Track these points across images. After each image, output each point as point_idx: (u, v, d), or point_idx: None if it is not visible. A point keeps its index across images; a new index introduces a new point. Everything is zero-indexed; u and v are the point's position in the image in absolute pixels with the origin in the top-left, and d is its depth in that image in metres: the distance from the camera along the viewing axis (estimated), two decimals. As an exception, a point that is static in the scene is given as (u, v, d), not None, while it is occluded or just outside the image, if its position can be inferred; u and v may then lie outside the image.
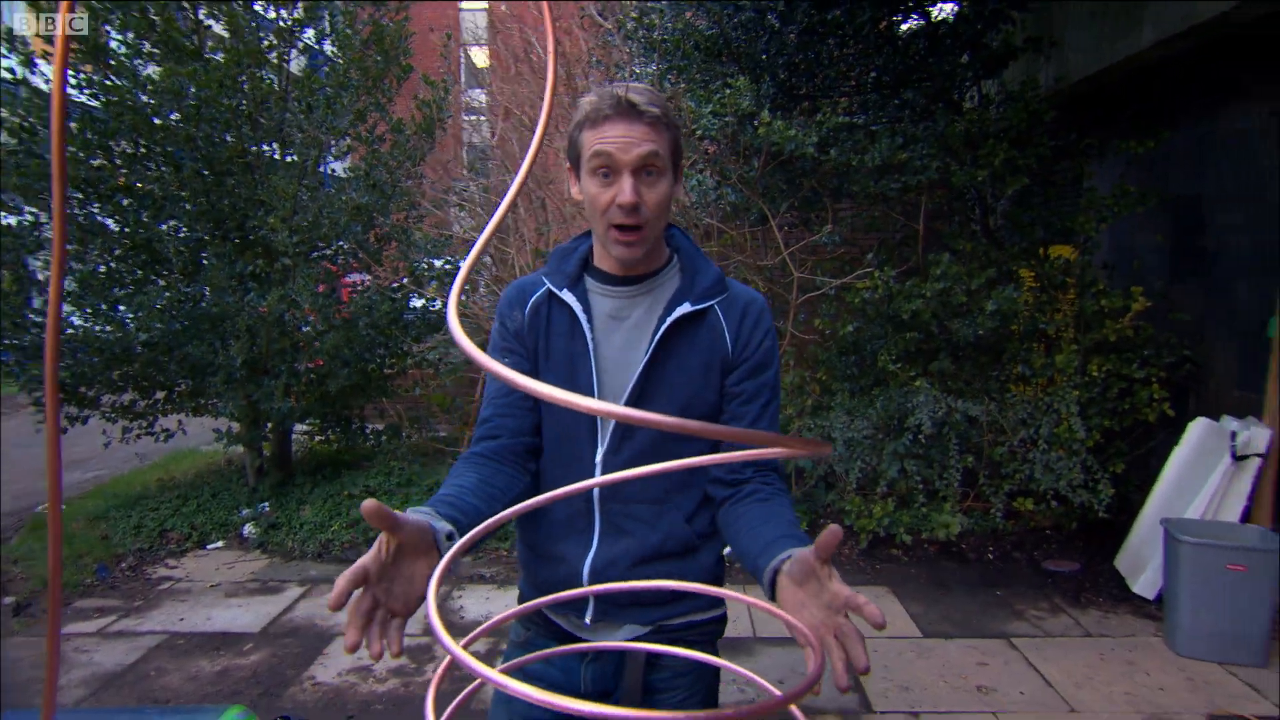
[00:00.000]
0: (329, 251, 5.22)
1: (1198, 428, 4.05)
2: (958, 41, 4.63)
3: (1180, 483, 4.01)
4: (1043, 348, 4.75)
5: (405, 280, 5.32)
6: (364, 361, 5.01)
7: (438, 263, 5.37)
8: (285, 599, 4.15)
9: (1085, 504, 4.26)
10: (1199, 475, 3.94)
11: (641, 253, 1.23)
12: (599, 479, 0.78)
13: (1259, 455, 3.79)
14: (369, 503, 0.82)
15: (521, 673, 1.25)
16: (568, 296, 1.27)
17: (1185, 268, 4.93)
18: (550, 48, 0.64)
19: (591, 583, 1.27)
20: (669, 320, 1.24)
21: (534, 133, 0.64)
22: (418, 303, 5.46)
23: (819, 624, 0.87)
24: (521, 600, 1.42)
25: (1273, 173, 4.22)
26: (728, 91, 4.28)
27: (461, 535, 0.99)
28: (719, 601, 1.36)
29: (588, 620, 1.30)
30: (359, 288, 5.24)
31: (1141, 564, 4.03)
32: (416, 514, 0.98)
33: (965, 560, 4.54)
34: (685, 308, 1.25)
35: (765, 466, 1.27)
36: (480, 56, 13.79)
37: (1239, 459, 3.79)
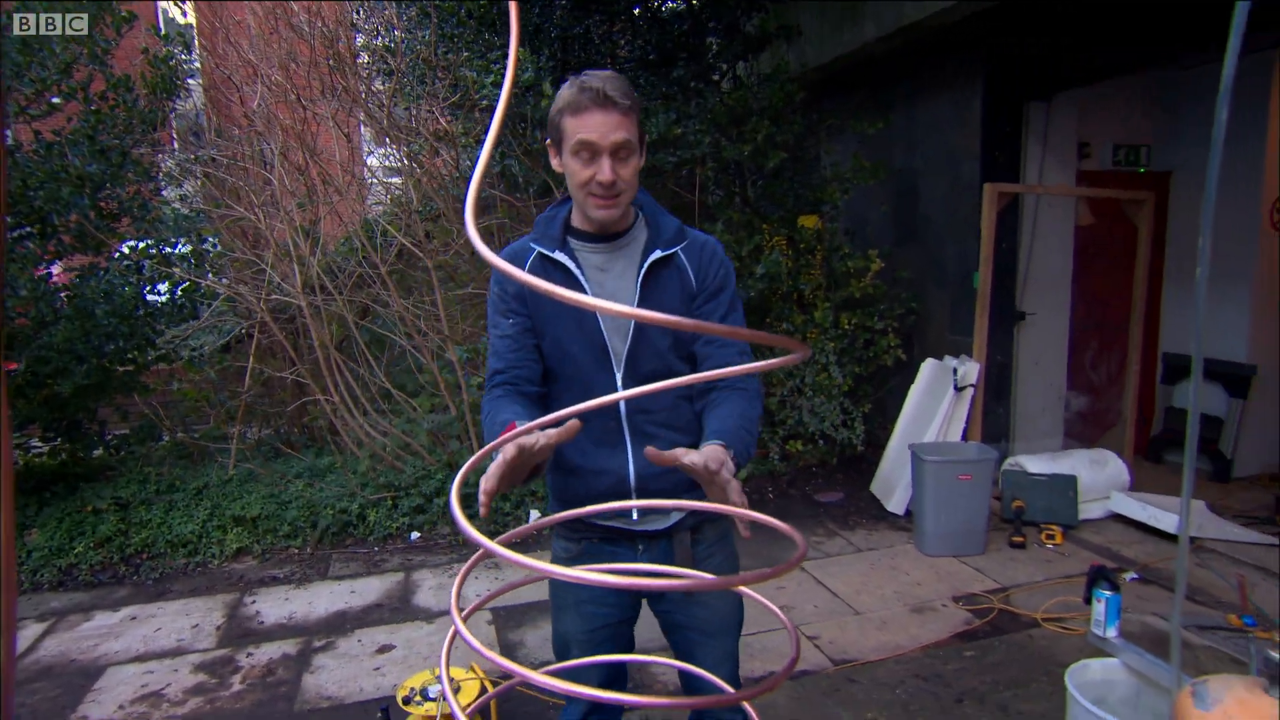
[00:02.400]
0: (34, 230, 4.42)
1: (928, 367, 4.81)
2: (719, 24, 5.00)
3: (917, 414, 4.75)
4: (798, 307, 5.33)
5: (147, 261, 4.67)
6: (102, 356, 4.35)
7: (182, 246, 4.79)
8: (25, 638, 3.53)
9: (845, 441, 4.89)
10: (931, 406, 4.69)
11: (619, 213, 1.47)
12: (629, 391, 0.87)
13: (971, 385, 4.59)
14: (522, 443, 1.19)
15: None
16: (560, 256, 1.49)
17: (905, 232, 5.77)
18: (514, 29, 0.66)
19: (638, 485, 1.53)
20: (646, 263, 1.50)
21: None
22: (163, 287, 4.84)
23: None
24: (559, 540, 1.68)
25: (962, 151, 5.08)
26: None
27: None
28: None
29: (635, 516, 1.57)
30: (91, 269, 4.50)
31: (892, 487, 4.72)
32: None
33: (751, 502, 4.99)
34: (657, 253, 1.51)
35: (735, 382, 1.53)
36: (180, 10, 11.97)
37: (959, 389, 4.57)
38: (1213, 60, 4.88)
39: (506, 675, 2.97)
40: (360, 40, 5.49)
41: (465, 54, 4.71)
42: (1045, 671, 2.93)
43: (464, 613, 0.88)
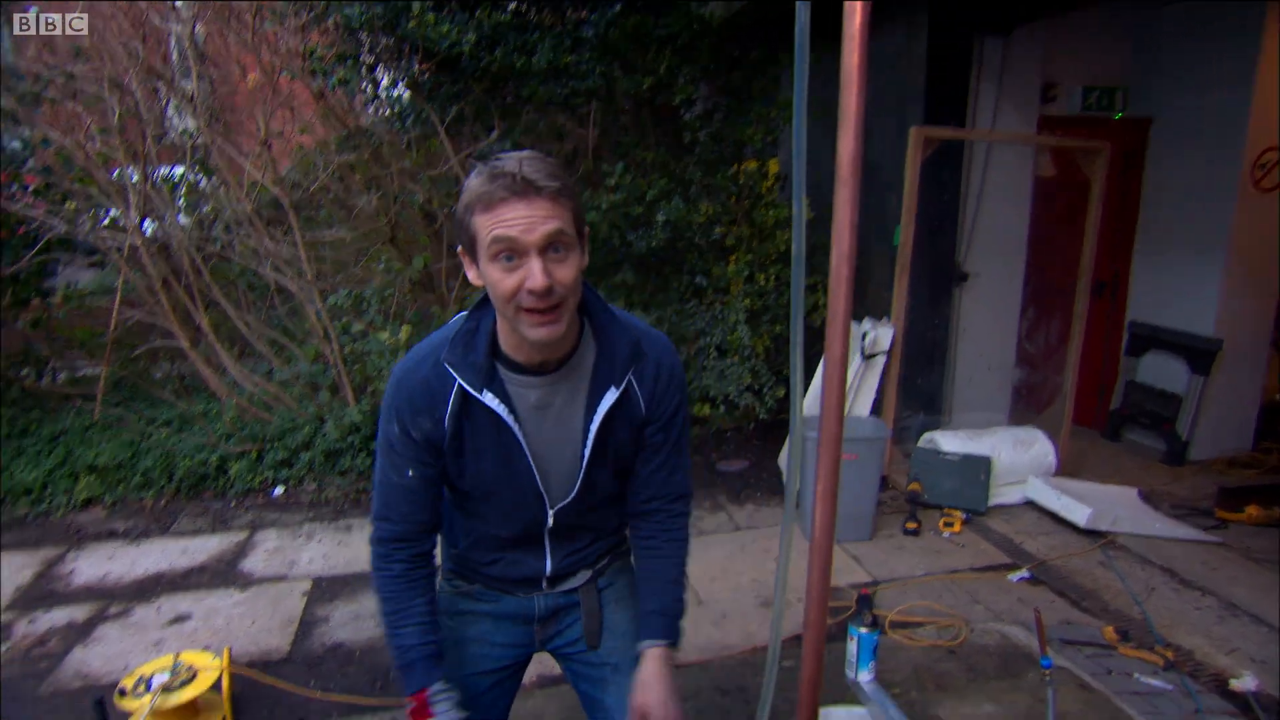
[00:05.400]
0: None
1: (840, 330, 4.38)
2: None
3: (825, 381, 4.34)
4: (718, 259, 4.89)
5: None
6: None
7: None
8: None
9: (750, 407, 4.51)
10: (839, 374, 4.26)
11: (562, 328, 1.16)
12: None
13: (883, 353, 4.16)
14: None
15: (478, 622, 1.47)
16: (490, 400, 1.22)
17: (850, 181, 5.25)
18: None
19: (553, 575, 1.45)
20: (600, 415, 1.27)
21: None
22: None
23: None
24: (449, 580, 1.54)
25: (909, 92, 4.53)
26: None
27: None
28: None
29: (544, 586, 1.47)
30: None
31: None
32: (453, 713, 1.28)
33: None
34: (611, 394, 1.26)
35: (671, 495, 1.43)
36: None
37: (867, 357, 4.14)
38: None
39: (253, 664, 2.72)
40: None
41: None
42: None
43: None
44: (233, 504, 4.13)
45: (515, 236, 1.08)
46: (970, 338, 4.90)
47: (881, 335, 4.15)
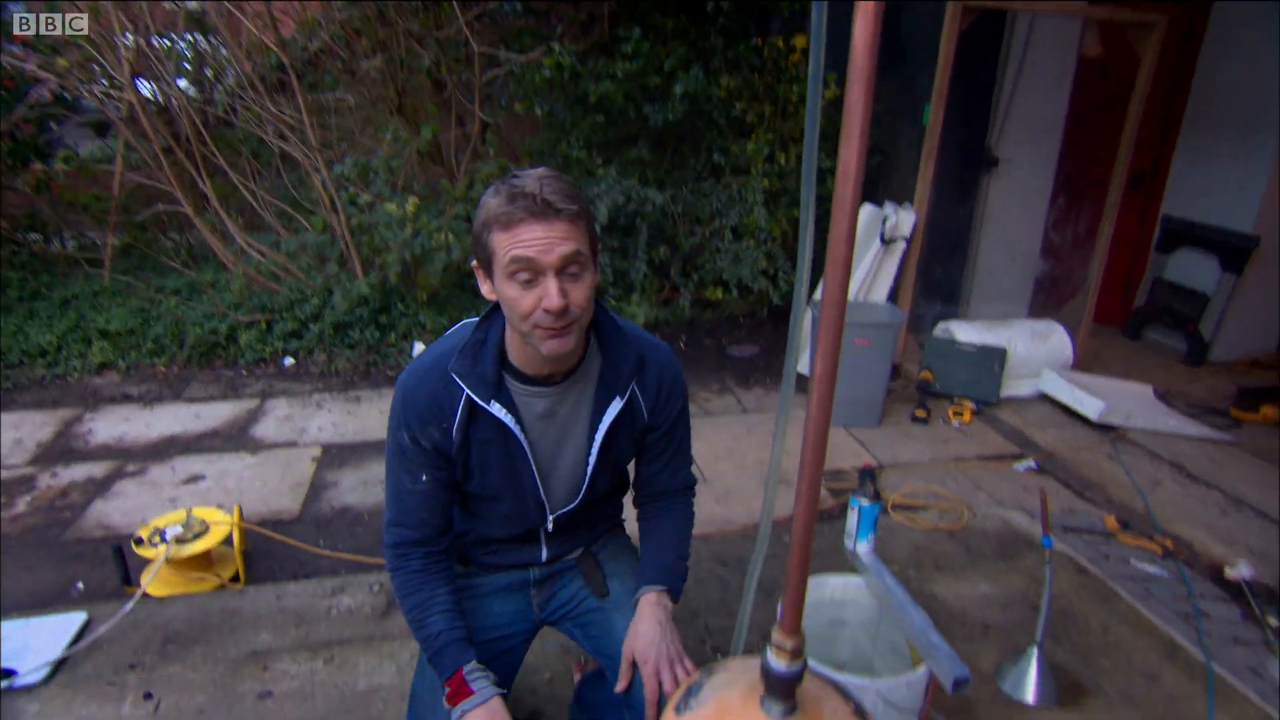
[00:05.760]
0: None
1: (862, 213, 4.22)
2: None
3: (842, 267, 4.22)
4: (738, 136, 4.69)
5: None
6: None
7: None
8: None
9: (763, 291, 4.43)
10: (857, 259, 4.15)
11: (573, 342, 1.19)
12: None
13: (904, 238, 4.03)
14: None
15: (477, 599, 1.48)
16: (498, 411, 1.25)
17: (882, 57, 4.95)
18: None
19: (549, 559, 1.50)
20: (605, 425, 1.31)
21: None
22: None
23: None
24: None
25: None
26: None
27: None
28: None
29: (544, 557, 1.50)
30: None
31: (805, 345, 4.30)
32: (491, 689, 1.25)
33: (659, 350, 4.65)
34: (616, 405, 1.31)
35: (676, 488, 1.49)
36: None
37: (886, 242, 4.01)
38: None
39: (265, 523, 2.79)
40: None
41: None
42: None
43: None
44: (244, 373, 4.16)
45: (533, 257, 1.10)
46: (995, 227, 4.73)
47: (903, 220, 4.00)
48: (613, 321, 1.34)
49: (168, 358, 4.14)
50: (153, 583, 2.32)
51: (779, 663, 0.85)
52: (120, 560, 2.39)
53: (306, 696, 1.94)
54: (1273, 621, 2.38)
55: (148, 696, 1.91)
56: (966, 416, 3.77)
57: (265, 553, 2.65)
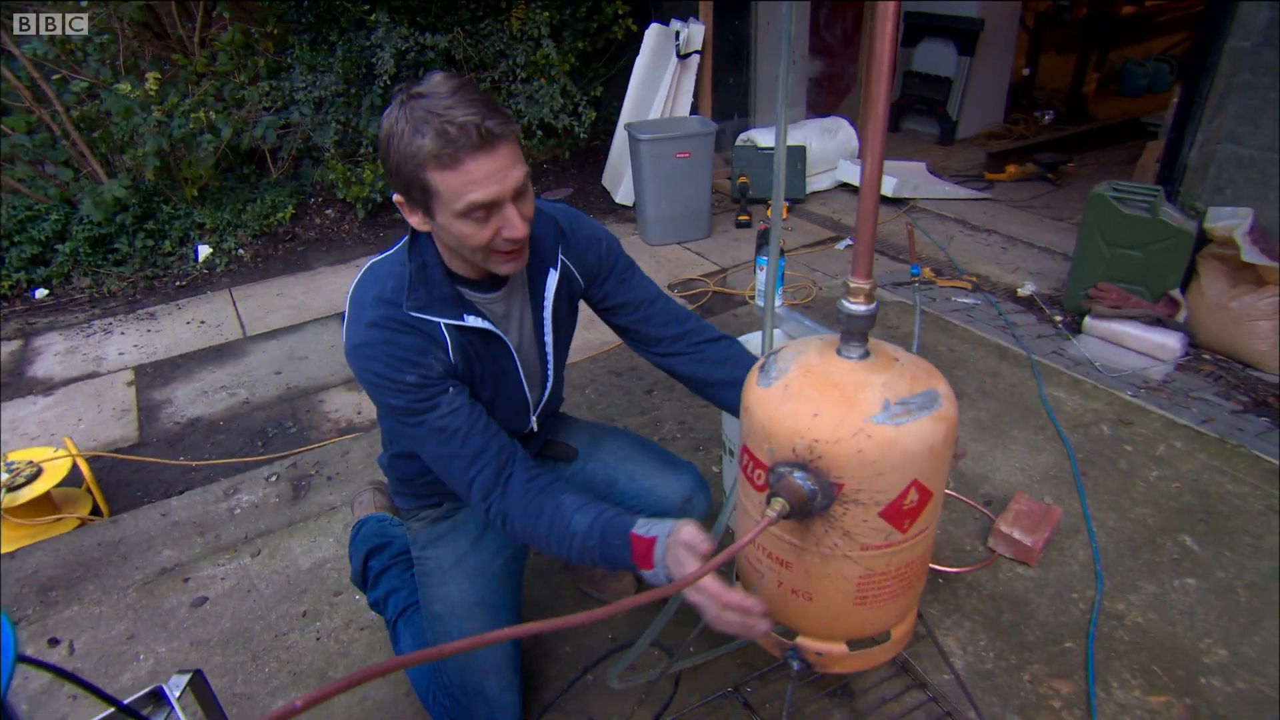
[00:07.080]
0: None
1: (652, 33, 4.19)
2: None
3: (642, 89, 4.22)
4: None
5: None
6: None
7: None
8: None
9: (568, 129, 4.33)
10: (656, 79, 4.16)
11: (529, 255, 1.19)
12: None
13: (696, 52, 4.07)
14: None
15: (470, 536, 1.44)
16: (475, 321, 1.21)
17: None
18: None
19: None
20: (549, 298, 1.29)
21: None
22: None
23: None
24: (415, 517, 1.49)
25: None
26: None
27: None
28: None
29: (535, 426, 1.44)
30: None
31: (620, 174, 4.31)
32: (668, 522, 1.12)
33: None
34: (553, 277, 1.28)
35: (682, 315, 1.43)
36: None
37: (682, 57, 4.04)
38: None
39: (114, 449, 2.45)
40: None
41: None
42: (744, 348, 2.82)
43: None
44: (-15, 315, 3.45)
45: (493, 198, 1.04)
46: (770, 33, 4.91)
47: (694, 33, 4.04)
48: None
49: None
50: (-4, 539, 1.97)
51: (856, 305, 0.91)
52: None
53: (248, 590, 1.78)
54: (1058, 318, 2.89)
55: (54, 642, 1.66)
56: (784, 214, 4.03)
57: (122, 481, 2.32)
